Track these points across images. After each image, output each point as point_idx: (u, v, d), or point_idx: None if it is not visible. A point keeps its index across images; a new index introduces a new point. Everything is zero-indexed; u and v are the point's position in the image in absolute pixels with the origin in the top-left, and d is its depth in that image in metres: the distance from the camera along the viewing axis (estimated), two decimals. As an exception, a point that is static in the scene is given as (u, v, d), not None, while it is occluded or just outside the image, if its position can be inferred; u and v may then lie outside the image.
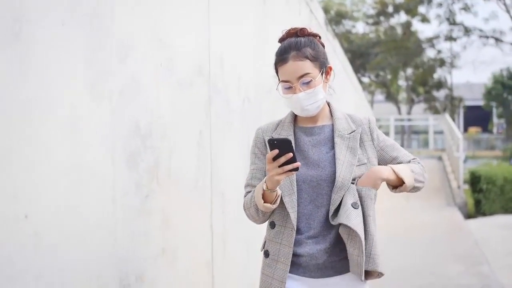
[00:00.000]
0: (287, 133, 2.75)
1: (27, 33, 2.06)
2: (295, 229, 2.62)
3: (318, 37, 2.76)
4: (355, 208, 2.56)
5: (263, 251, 2.76)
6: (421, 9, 40.39)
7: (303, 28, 2.73)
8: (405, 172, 2.68)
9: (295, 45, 2.66)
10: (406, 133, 42.58)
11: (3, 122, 1.95)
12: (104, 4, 2.56)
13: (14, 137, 2.00)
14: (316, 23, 8.33)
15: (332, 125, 2.76)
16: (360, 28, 46.73)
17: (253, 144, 2.83)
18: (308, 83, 2.62)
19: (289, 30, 2.75)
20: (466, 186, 18.05)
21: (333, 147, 2.70)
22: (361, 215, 2.57)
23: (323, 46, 2.74)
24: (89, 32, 2.45)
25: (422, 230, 11.80)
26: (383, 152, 2.77)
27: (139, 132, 2.87)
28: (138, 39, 2.87)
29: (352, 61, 35.09)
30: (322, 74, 2.68)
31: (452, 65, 42.80)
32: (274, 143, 2.39)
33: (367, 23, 44.64)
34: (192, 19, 3.56)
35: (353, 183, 2.62)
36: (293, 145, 2.51)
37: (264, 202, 2.59)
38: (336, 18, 42.46)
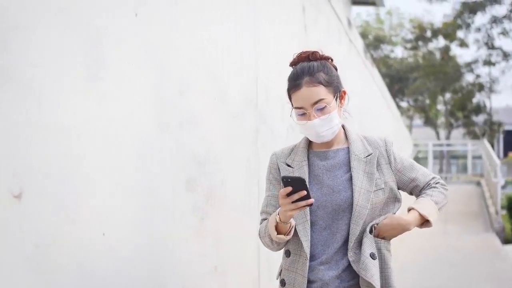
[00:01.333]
0: (300, 159, 2.68)
1: (104, 73, 2.37)
2: (308, 257, 2.57)
3: (330, 60, 2.70)
4: (373, 259, 2.54)
5: (279, 280, 2.72)
6: (460, 33, 40.28)
7: (315, 52, 2.68)
8: (429, 209, 2.62)
9: (308, 70, 2.59)
10: (444, 158, 42.40)
11: (87, 154, 2.25)
12: (167, 45, 2.86)
13: (94, 166, 2.30)
14: (355, 51, 8.60)
15: (348, 148, 2.69)
16: (399, 52, 46.76)
17: (268, 171, 2.81)
18: (322, 109, 2.55)
19: (300, 53, 2.70)
20: (504, 212, 18.07)
21: (348, 171, 2.63)
22: (377, 265, 2.55)
23: (336, 69, 2.68)
24: (155, 70, 2.75)
25: (459, 254, 11.91)
26: (401, 174, 2.70)
27: (196, 160, 3.15)
28: (195, 76, 3.16)
29: (390, 86, 35.22)
30: (336, 99, 2.61)
31: (491, 90, 42.55)
32: (288, 181, 2.36)
33: (406, 48, 44.65)
34: (242, 55, 3.86)
35: (371, 233, 2.58)
36: (307, 183, 2.44)
37: (277, 234, 2.54)
38: (374, 42, 42.60)
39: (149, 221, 2.70)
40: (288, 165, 2.71)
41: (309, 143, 2.74)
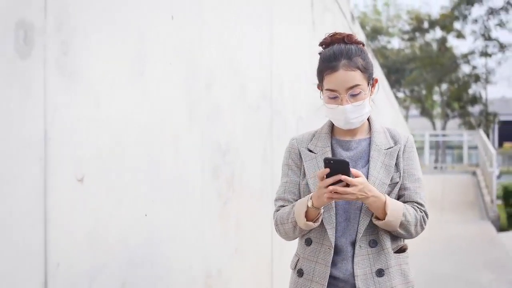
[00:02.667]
0: (323, 144, 2.61)
1: (148, 71, 2.63)
2: (333, 246, 2.50)
3: (363, 45, 2.62)
4: (379, 276, 2.50)
5: (295, 270, 2.64)
6: (457, 25, 40.59)
7: (350, 34, 2.60)
8: (396, 211, 2.47)
9: (347, 53, 2.51)
10: (440, 148, 42.74)
11: (133, 144, 2.52)
12: (196, 44, 3.13)
13: (139, 154, 2.57)
14: (357, 45, 8.85)
15: (370, 138, 2.62)
16: (396, 43, 47.01)
17: (287, 155, 2.71)
18: (356, 95, 2.49)
19: (334, 34, 2.60)
20: (500, 201, 18.41)
21: (367, 162, 2.56)
22: (383, 283, 2.50)
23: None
24: (187, 66, 3.02)
25: (457, 242, 12.26)
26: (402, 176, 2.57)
27: (220, 149, 3.42)
28: (220, 71, 3.43)
29: (387, 77, 35.37)
30: (369, 86, 2.56)
31: (487, 81, 42.87)
32: (330, 163, 2.33)
33: (403, 39, 44.94)
34: (260, 52, 4.13)
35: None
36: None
37: (306, 220, 2.48)
38: (371, 34, 42.86)
39: (182, 205, 2.97)
40: (310, 151, 2.63)
41: (332, 130, 2.67)
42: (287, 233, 2.61)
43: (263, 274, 4.24)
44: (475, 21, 39.10)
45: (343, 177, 2.34)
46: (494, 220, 15.96)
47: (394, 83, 41.97)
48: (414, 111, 49.81)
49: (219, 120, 3.41)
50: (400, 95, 45.50)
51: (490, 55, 40.57)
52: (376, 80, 2.63)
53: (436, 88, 44.35)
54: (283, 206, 2.65)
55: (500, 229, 15.63)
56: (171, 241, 2.85)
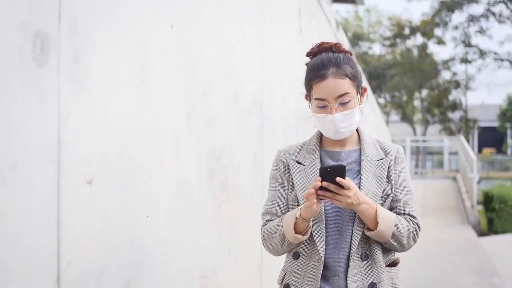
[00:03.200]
0: (312, 156, 2.58)
1: (150, 79, 2.75)
2: (323, 260, 2.45)
3: (351, 54, 2.58)
4: None
5: (282, 285, 2.59)
6: (437, 31, 41.01)
7: (338, 43, 2.57)
8: (387, 221, 2.44)
9: (335, 61, 2.47)
10: (421, 154, 43.09)
11: (136, 148, 2.63)
12: (194, 53, 3.25)
13: (141, 158, 2.68)
14: (341, 51, 9.00)
15: (360, 149, 2.58)
16: (377, 49, 47.39)
17: (274, 168, 2.67)
18: (346, 103, 2.45)
19: (321, 44, 2.58)
20: (480, 207, 18.66)
21: (358, 173, 2.52)
22: None
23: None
24: (185, 74, 3.13)
25: (438, 246, 12.45)
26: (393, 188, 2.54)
27: (215, 154, 3.54)
28: (215, 79, 3.55)
29: (368, 82, 35.67)
30: (358, 95, 2.52)
31: (467, 87, 43.31)
32: (327, 171, 2.30)
33: (384, 45, 45.37)
34: (251, 60, 4.25)
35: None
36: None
37: (294, 233, 2.43)
38: (353, 39, 43.15)
39: (180, 207, 3.08)
40: (299, 163, 2.59)
41: (320, 141, 2.64)
42: (275, 248, 2.56)
43: (254, 274, 4.36)
44: (456, 27, 39.51)
45: (339, 179, 2.30)
46: (475, 225, 16.20)
47: (375, 89, 42.29)
48: (395, 116, 50.21)
49: (214, 125, 3.53)
50: (381, 100, 45.85)
51: (470, 62, 41.00)
52: (365, 89, 2.59)
53: (417, 94, 44.77)
54: (271, 220, 2.61)
55: (481, 234, 15.87)
56: (170, 242, 2.96)
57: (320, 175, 2.31)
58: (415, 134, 45.16)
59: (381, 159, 2.55)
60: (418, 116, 47.71)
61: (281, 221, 2.51)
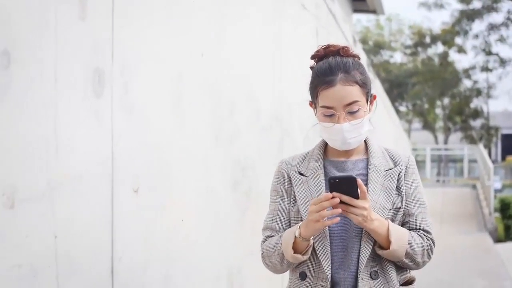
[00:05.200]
0: (315, 167, 2.40)
1: (184, 102, 3.20)
2: (329, 279, 2.28)
3: (359, 58, 2.42)
4: None
5: None
6: (458, 40, 41.10)
7: (345, 46, 2.38)
8: (400, 239, 2.26)
9: (344, 66, 2.29)
10: (443, 162, 43.20)
11: (173, 162, 3.08)
12: (221, 77, 3.70)
13: (177, 170, 3.14)
14: (359, 65, 9.41)
15: (367, 159, 2.40)
16: (398, 58, 47.61)
17: (275, 180, 2.54)
18: (355, 112, 2.28)
19: (328, 46, 2.40)
20: (497, 214, 18.95)
21: (366, 184, 2.31)
22: None
23: None
24: (213, 96, 3.58)
25: (454, 251, 12.79)
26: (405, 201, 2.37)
27: (239, 166, 3.99)
28: (239, 99, 3.99)
29: (389, 91, 36.02)
30: (367, 103, 2.35)
31: (488, 95, 43.32)
32: (336, 182, 2.14)
33: (405, 53, 45.58)
34: (272, 80, 4.71)
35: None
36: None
37: (294, 252, 2.27)
38: (374, 48, 43.47)
39: (210, 213, 3.53)
40: (301, 174, 2.44)
41: (324, 151, 2.46)
42: (275, 266, 2.44)
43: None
44: (476, 36, 39.59)
45: (360, 183, 2.15)
46: (492, 231, 16.53)
47: (397, 97, 42.54)
48: (416, 124, 50.26)
49: (239, 140, 3.97)
50: (403, 109, 46.04)
51: (491, 70, 41.00)
52: (375, 97, 2.43)
53: (438, 102, 44.82)
54: (271, 236, 2.47)
55: (497, 240, 16.20)
56: (201, 243, 3.41)
57: (329, 187, 2.15)
58: (436, 142, 45.31)
59: (390, 169, 2.37)
60: (439, 124, 47.79)
61: (279, 239, 2.37)
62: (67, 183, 2.26)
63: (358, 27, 43.67)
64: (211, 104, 3.55)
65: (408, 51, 44.90)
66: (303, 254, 2.28)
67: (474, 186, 24.36)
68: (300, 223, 2.27)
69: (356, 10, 20.22)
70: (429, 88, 41.33)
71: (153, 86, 2.89)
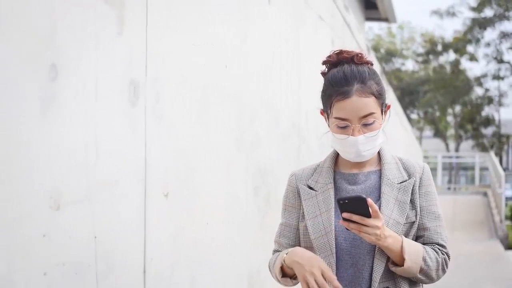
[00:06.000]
0: (325, 180, 2.31)
1: (208, 110, 3.36)
2: None
3: (372, 65, 2.33)
4: None
5: None
6: (470, 48, 41.14)
7: (359, 54, 2.28)
8: (413, 252, 2.18)
9: (360, 76, 2.20)
10: (454, 169, 43.21)
11: (199, 168, 3.24)
12: (244, 88, 3.85)
13: (203, 176, 3.29)
14: (372, 74, 9.56)
15: (380, 171, 2.31)
16: (410, 66, 47.68)
17: (285, 194, 2.47)
18: (370, 125, 2.19)
19: (341, 52, 2.31)
20: (509, 222, 19.06)
21: (378, 198, 2.25)
22: None
23: None
24: (237, 106, 3.74)
25: (465, 258, 12.90)
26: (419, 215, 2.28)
27: (260, 172, 4.14)
28: (260, 108, 4.15)
29: (401, 98, 36.11)
30: (382, 114, 2.27)
31: (499, 103, 43.29)
32: (345, 203, 2.05)
33: (417, 61, 45.64)
34: (290, 90, 4.87)
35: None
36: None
37: (282, 276, 2.25)
38: (386, 56, 43.56)
39: (233, 218, 3.69)
40: (311, 188, 2.36)
41: (336, 162, 2.39)
42: (278, 281, 2.37)
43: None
44: (488, 44, 39.63)
45: (370, 202, 2.07)
46: (503, 239, 16.66)
47: (408, 105, 42.59)
48: (428, 132, 50.26)
49: (259, 147, 4.13)
50: (414, 116, 46.07)
51: (502, 78, 41.02)
52: (389, 107, 2.35)
53: (450, 110, 44.82)
54: (277, 250, 2.46)
55: (508, 247, 16.32)
56: (224, 246, 3.57)
57: (339, 207, 2.08)
58: (448, 149, 45.27)
59: (404, 181, 2.28)
60: (451, 132, 47.79)
61: (276, 258, 2.36)
62: (105, 187, 2.42)
63: (370, 35, 43.81)
64: (233, 112, 3.71)
65: (420, 59, 44.98)
66: (292, 279, 2.27)
67: (485, 194, 24.43)
68: (289, 249, 2.26)
69: (368, 18, 20.38)
70: (441, 96, 41.32)
71: (181, 96, 3.05)
